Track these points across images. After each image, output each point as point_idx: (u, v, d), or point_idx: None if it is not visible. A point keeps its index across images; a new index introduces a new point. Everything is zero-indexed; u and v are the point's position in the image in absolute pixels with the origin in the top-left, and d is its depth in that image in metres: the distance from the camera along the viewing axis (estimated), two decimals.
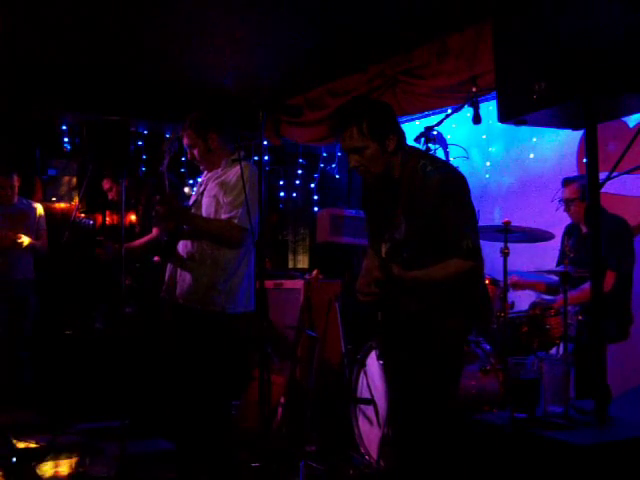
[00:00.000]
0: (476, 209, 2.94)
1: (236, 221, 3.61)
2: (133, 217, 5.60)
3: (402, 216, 2.93)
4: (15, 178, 6.08)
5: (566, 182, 4.57)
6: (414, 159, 2.92)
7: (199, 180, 3.96)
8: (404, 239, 2.94)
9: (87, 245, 5.58)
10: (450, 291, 2.92)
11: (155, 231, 5.14)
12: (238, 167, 3.62)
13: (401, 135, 2.94)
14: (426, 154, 3.15)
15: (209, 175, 3.88)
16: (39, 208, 6.25)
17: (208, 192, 3.79)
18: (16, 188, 6.09)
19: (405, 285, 2.92)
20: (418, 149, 3.19)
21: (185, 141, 3.84)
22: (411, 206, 2.89)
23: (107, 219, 6.14)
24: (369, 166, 2.90)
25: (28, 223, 6.08)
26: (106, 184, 5.59)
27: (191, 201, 3.96)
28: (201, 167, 3.94)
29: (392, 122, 2.92)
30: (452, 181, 2.88)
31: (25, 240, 5.90)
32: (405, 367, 3.01)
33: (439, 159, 3.15)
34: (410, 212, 2.90)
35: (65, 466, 4.14)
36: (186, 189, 6.95)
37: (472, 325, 3.37)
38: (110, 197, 5.64)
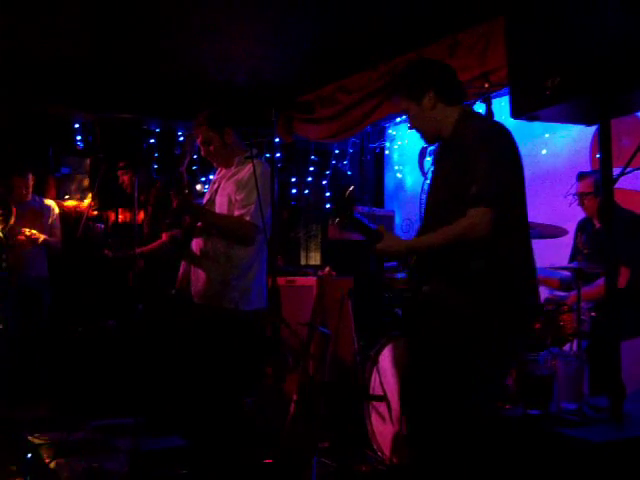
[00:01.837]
0: None
1: (248, 218, 3.61)
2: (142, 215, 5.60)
3: (441, 177, 2.88)
4: (30, 177, 6.14)
5: (581, 176, 4.56)
6: (469, 119, 2.86)
7: (212, 178, 3.96)
8: (439, 201, 2.84)
9: (97, 247, 5.59)
10: (459, 265, 2.69)
11: (164, 236, 5.15)
12: (250, 165, 3.62)
13: (444, 90, 2.88)
14: (481, 115, 3.03)
15: (222, 173, 3.88)
16: (53, 206, 6.30)
17: (222, 191, 3.79)
18: (31, 187, 6.15)
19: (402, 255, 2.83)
20: (479, 113, 3.09)
21: (199, 138, 3.83)
22: (450, 162, 2.81)
23: (120, 216, 6.15)
24: (418, 126, 2.96)
25: (42, 221, 6.13)
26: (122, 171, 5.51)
27: (205, 199, 3.96)
28: (215, 164, 3.94)
29: (428, 79, 2.89)
30: (488, 129, 2.81)
31: (39, 236, 5.95)
32: (415, 353, 2.89)
33: (492, 119, 3.04)
34: (448, 168, 2.83)
35: (79, 463, 4.16)
36: (198, 186, 6.96)
37: (505, 312, 2.69)
38: (124, 185, 5.55)
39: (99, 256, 5.44)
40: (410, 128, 3.03)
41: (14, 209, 5.92)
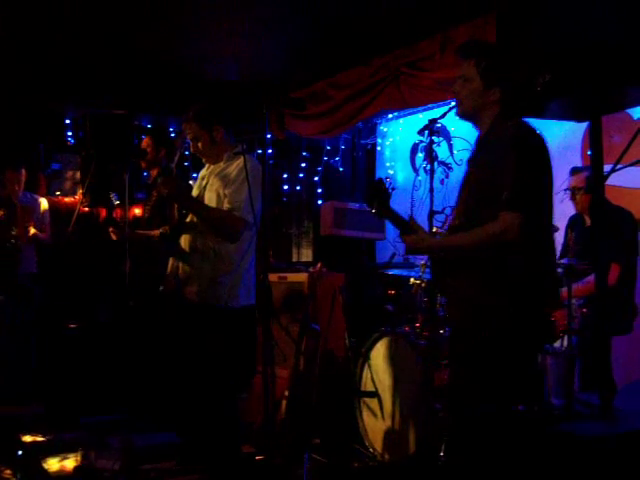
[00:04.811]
0: None
1: (236, 213, 3.60)
2: (137, 210, 5.57)
3: (474, 177, 2.87)
4: (23, 172, 6.14)
5: (574, 171, 4.56)
6: (507, 120, 2.83)
7: (201, 173, 3.94)
8: (471, 201, 2.84)
9: (105, 225, 5.49)
10: (487, 264, 2.70)
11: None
12: (239, 160, 3.61)
13: (509, 89, 2.84)
14: (522, 121, 2.91)
15: (211, 169, 3.87)
16: (43, 202, 6.31)
17: (210, 187, 3.78)
18: (23, 183, 6.15)
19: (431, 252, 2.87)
20: (521, 120, 2.95)
21: (188, 134, 3.81)
22: (484, 163, 2.81)
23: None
24: (463, 99, 2.89)
25: (33, 217, 6.13)
26: (145, 142, 5.35)
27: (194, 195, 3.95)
28: (204, 160, 3.92)
29: (507, 69, 2.86)
30: (525, 136, 2.76)
31: (31, 230, 5.98)
32: (452, 351, 2.91)
33: (531, 125, 2.90)
34: (478, 168, 2.84)
35: (70, 460, 4.15)
36: (190, 182, 6.95)
37: (532, 312, 2.73)
38: (148, 157, 5.34)
39: (103, 234, 5.30)
40: (453, 91, 2.94)
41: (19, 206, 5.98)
